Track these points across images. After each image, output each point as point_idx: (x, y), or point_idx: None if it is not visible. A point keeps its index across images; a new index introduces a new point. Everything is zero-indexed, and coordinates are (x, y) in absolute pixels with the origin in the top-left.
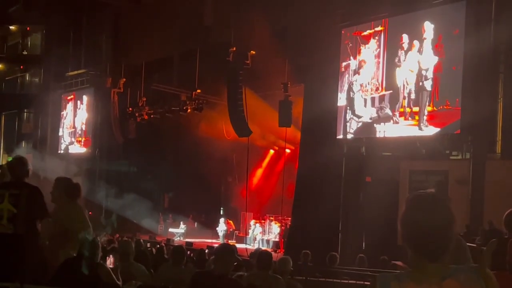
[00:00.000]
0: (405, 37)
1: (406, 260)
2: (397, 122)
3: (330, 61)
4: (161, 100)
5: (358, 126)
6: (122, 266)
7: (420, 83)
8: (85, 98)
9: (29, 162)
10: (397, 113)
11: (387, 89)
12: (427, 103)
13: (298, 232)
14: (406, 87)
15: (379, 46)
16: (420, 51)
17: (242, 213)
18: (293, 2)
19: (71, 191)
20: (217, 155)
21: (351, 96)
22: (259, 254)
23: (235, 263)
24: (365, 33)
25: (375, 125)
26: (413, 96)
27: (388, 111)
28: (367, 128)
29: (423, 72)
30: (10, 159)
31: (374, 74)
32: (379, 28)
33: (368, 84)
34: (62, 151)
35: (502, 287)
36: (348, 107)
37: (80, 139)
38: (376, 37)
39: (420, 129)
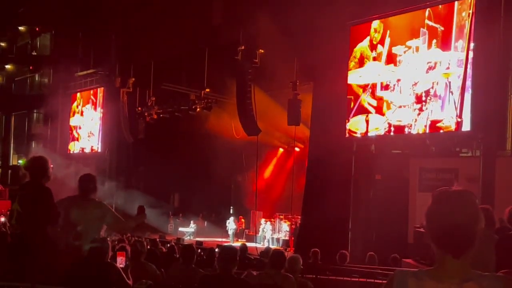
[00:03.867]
0: (414, 34)
1: (416, 258)
2: (404, 119)
3: (339, 58)
4: (170, 99)
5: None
6: (132, 266)
7: (429, 81)
8: (94, 98)
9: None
10: (405, 109)
11: (396, 86)
12: (437, 100)
13: (308, 231)
14: (415, 85)
15: (388, 44)
16: (429, 48)
17: (252, 212)
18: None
19: (80, 188)
20: (227, 154)
21: (361, 94)
22: (273, 253)
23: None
24: (373, 29)
25: (384, 122)
26: (422, 93)
27: (396, 109)
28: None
29: (432, 70)
30: (22, 160)
31: (383, 71)
32: (388, 25)
33: (377, 82)
34: (71, 151)
35: None
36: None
37: (89, 139)
38: (386, 35)
39: (430, 126)
